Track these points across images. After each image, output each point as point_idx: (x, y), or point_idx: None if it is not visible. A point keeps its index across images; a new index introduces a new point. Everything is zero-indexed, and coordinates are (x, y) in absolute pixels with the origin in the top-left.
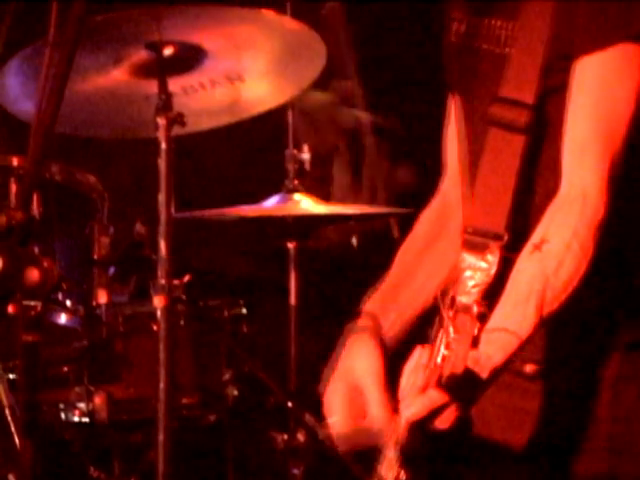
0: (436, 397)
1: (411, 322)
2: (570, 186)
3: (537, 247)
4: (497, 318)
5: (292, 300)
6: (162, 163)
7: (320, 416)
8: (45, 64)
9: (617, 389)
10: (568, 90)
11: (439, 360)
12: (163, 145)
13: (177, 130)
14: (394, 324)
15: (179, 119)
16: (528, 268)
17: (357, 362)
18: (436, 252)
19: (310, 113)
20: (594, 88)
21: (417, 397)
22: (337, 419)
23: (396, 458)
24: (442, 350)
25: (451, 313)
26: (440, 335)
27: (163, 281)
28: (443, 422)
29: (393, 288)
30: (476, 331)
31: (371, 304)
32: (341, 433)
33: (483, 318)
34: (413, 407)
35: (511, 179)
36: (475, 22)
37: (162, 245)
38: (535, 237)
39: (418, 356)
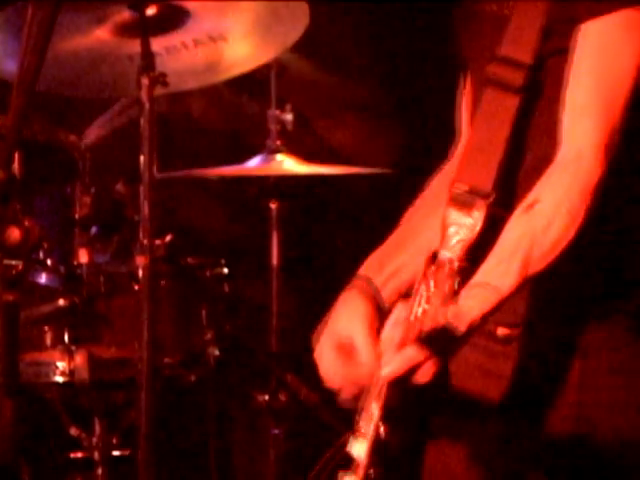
0: (414, 353)
1: (410, 282)
2: (566, 149)
3: (529, 207)
4: (480, 273)
5: (274, 260)
6: (144, 123)
7: (301, 376)
8: (27, 23)
9: (588, 358)
10: (569, 54)
11: (419, 314)
12: (146, 105)
13: (159, 90)
14: (391, 284)
15: (161, 79)
16: (517, 227)
17: (347, 319)
18: (438, 216)
19: None
20: (596, 53)
21: (396, 354)
22: (329, 375)
23: (376, 412)
24: (422, 304)
25: (433, 268)
26: (420, 289)
27: (145, 241)
28: (422, 376)
29: (395, 248)
30: (456, 285)
31: (369, 265)
32: (334, 389)
33: (463, 272)
34: (392, 364)
35: (502, 138)
36: None
37: (144, 205)
38: (528, 197)
39: (399, 311)
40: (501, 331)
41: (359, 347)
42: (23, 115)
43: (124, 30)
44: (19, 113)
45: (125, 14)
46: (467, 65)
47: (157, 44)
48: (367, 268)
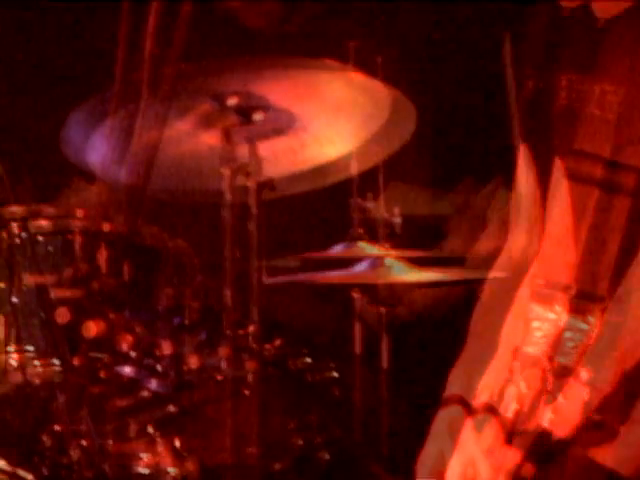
0: (511, 457)
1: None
2: None
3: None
4: (583, 373)
5: (384, 363)
6: (226, 213)
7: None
8: (139, 124)
9: None
10: None
11: (511, 413)
12: (227, 195)
13: (242, 182)
14: (486, 397)
15: (269, 185)
16: (619, 325)
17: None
18: (514, 312)
19: None
20: None
21: (491, 457)
22: None
23: None
24: (513, 403)
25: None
26: (510, 389)
27: (254, 346)
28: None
29: (477, 361)
30: (549, 386)
31: (457, 384)
32: None
33: (560, 373)
34: (487, 469)
35: (616, 242)
36: (583, 87)
37: (253, 310)
38: (628, 295)
39: (488, 411)
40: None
41: None
42: (134, 224)
43: (230, 134)
44: (131, 222)
45: (233, 118)
46: (552, 160)
47: (237, 135)
48: (459, 387)
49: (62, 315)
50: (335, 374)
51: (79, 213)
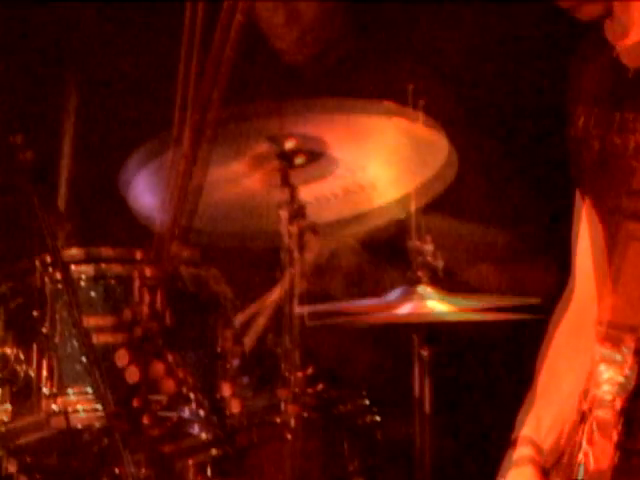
0: None
1: (571, 428)
2: None
3: None
4: (614, 435)
5: (426, 407)
6: (284, 256)
7: None
8: (180, 173)
9: None
10: None
11: (581, 455)
12: (285, 239)
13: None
14: (554, 439)
15: (313, 229)
16: None
17: None
18: (579, 354)
19: None
20: None
21: None
22: None
23: None
24: (586, 446)
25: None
26: (584, 430)
27: (297, 390)
28: None
29: (544, 402)
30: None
31: (525, 426)
32: None
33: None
34: None
35: None
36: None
37: (295, 355)
38: None
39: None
40: None
41: None
42: (172, 266)
43: (288, 177)
44: (170, 265)
45: (275, 163)
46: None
47: (296, 177)
48: (526, 430)
49: (122, 357)
50: (377, 417)
51: (138, 255)
